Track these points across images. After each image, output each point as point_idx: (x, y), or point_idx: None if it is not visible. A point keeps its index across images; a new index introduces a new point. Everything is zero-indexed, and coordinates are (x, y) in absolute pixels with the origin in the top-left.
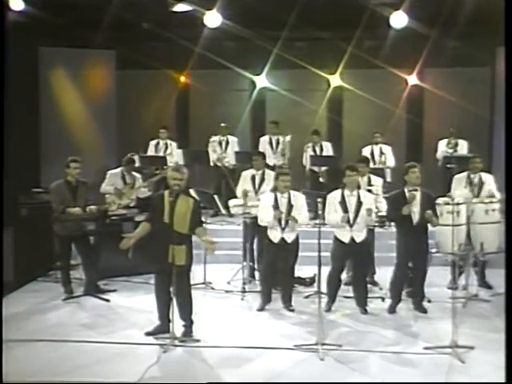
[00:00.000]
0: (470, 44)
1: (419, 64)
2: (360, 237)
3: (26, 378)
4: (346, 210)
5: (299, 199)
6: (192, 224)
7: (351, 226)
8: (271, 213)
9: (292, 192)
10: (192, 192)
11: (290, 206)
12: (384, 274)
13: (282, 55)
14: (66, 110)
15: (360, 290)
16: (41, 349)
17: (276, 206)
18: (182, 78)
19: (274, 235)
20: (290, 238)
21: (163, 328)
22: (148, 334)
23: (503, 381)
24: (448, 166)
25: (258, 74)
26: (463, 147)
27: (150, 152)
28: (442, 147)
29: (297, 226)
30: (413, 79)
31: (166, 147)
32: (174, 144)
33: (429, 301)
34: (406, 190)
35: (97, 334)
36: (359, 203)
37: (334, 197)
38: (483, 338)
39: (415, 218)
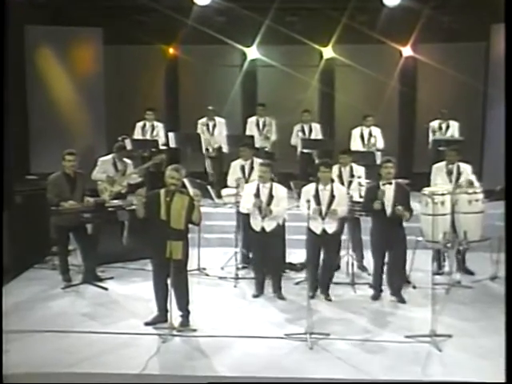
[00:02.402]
0: (464, 19)
1: (413, 38)
2: (331, 228)
3: (31, 369)
4: (318, 203)
5: (280, 191)
6: (187, 220)
7: (323, 218)
8: (252, 201)
9: (274, 184)
10: (186, 181)
11: (271, 197)
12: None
13: (274, 30)
14: (54, 89)
15: (325, 277)
16: (45, 340)
17: (257, 195)
18: (171, 50)
19: (256, 224)
20: (269, 226)
21: (161, 318)
22: (147, 324)
23: (503, 381)
24: (439, 148)
25: (248, 46)
26: (454, 128)
27: (137, 134)
28: (433, 129)
29: (276, 216)
30: (407, 51)
31: (153, 129)
32: (161, 125)
33: (414, 287)
34: (380, 184)
35: (98, 324)
36: (332, 197)
37: (307, 190)
38: (462, 326)
39: (388, 210)
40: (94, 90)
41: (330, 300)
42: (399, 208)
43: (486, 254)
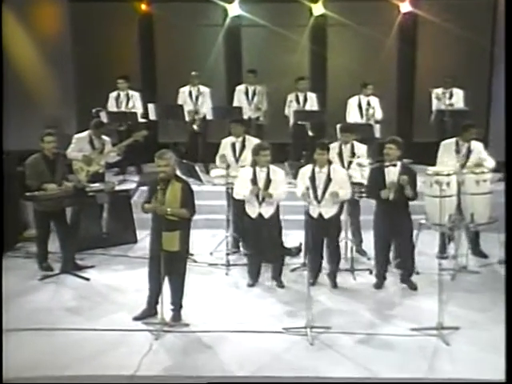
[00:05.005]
0: None
1: None
2: (328, 213)
3: (14, 374)
4: (314, 186)
5: (278, 174)
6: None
7: (319, 202)
8: (249, 187)
9: (271, 167)
10: None
11: (269, 181)
12: (370, 239)
13: None
14: (14, 54)
15: (331, 265)
16: (27, 340)
17: (254, 181)
18: (143, 7)
19: (252, 210)
20: (267, 212)
21: (150, 312)
22: (136, 318)
23: (503, 380)
24: (443, 119)
25: (230, 2)
26: (459, 97)
27: (111, 106)
28: (437, 96)
29: (275, 200)
30: (405, 7)
31: (128, 99)
32: (137, 94)
33: (417, 272)
34: (384, 166)
35: (84, 320)
36: (328, 180)
37: (304, 172)
38: (470, 316)
39: (391, 194)
40: (60, 54)
41: (335, 287)
42: (404, 177)
43: (494, 234)
